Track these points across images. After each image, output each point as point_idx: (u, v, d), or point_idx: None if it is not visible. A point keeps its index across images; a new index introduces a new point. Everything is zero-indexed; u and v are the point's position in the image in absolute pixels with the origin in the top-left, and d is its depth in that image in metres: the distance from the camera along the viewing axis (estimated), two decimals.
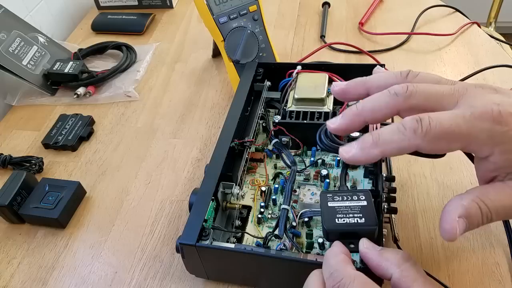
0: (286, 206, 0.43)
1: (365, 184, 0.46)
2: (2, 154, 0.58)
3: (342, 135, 0.41)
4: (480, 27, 0.75)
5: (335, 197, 0.37)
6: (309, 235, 0.42)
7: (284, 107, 0.51)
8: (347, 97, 0.36)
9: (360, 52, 0.70)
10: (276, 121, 0.50)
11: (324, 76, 0.52)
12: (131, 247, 0.48)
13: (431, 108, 0.31)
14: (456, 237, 0.28)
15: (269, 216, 0.44)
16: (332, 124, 0.34)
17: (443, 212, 0.30)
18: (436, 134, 0.29)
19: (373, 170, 0.45)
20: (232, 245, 0.39)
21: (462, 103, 0.30)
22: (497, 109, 0.29)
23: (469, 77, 0.60)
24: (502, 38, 0.91)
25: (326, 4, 0.82)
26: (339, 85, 0.36)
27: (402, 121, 0.30)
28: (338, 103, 0.53)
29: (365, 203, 0.36)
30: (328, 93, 0.51)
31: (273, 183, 0.48)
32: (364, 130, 0.40)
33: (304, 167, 0.48)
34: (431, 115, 0.30)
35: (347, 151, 0.32)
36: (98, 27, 0.83)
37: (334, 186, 0.46)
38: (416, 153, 0.32)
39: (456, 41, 0.72)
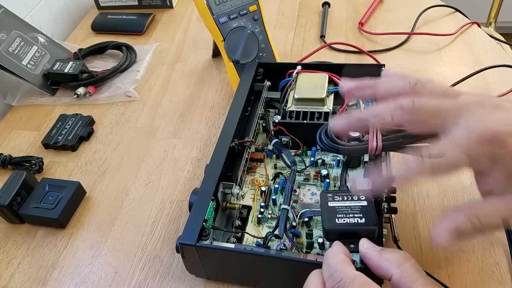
0: (286, 206, 0.43)
1: None
2: (2, 154, 0.58)
3: (342, 134, 0.42)
4: (480, 27, 0.75)
5: (335, 197, 0.37)
6: (309, 235, 0.42)
7: (284, 107, 0.51)
8: (354, 96, 0.37)
9: (360, 52, 0.70)
10: (276, 121, 0.50)
11: (324, 76, 0.52)
12: (131, 247, 0.48)
13: (433, 124, 0.32)
14: (446, 243, 0.29)
15: (269, 216, 0.44)
16: (335, 126, 0.35)
17: (436, 225, 0.30)
18: (441, 168, 0.30)
19: None
20: (232, 245, 0.39)
21: (463, 121, 0.31)
22: (494, 130, 0.30)
23: (469, 77, 0.60)
24: (502, 38, 0.91)
25: (326, 4, 0.82)
26: (348, 84, 0.37)
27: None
28: (338, 103, 0.53)
29: (365, 203, 0.36)
30: (328, 93, 0.51)
31: (273, 183, 0.48)
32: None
33: (304, 167, 0.48)
34: (430, 147, 0.31)
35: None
36: (98, 27, 0.83)
37: (334, 186, 0.46)
38: None
39: (456, 41, 0.72)
